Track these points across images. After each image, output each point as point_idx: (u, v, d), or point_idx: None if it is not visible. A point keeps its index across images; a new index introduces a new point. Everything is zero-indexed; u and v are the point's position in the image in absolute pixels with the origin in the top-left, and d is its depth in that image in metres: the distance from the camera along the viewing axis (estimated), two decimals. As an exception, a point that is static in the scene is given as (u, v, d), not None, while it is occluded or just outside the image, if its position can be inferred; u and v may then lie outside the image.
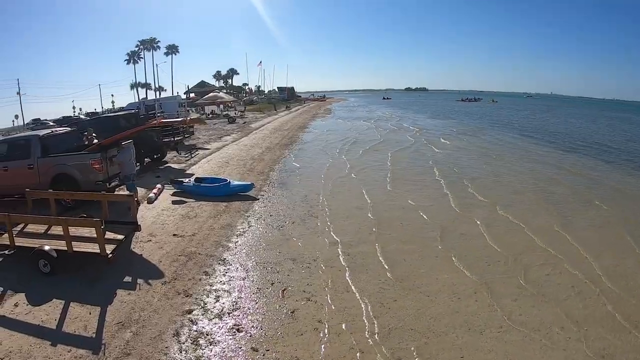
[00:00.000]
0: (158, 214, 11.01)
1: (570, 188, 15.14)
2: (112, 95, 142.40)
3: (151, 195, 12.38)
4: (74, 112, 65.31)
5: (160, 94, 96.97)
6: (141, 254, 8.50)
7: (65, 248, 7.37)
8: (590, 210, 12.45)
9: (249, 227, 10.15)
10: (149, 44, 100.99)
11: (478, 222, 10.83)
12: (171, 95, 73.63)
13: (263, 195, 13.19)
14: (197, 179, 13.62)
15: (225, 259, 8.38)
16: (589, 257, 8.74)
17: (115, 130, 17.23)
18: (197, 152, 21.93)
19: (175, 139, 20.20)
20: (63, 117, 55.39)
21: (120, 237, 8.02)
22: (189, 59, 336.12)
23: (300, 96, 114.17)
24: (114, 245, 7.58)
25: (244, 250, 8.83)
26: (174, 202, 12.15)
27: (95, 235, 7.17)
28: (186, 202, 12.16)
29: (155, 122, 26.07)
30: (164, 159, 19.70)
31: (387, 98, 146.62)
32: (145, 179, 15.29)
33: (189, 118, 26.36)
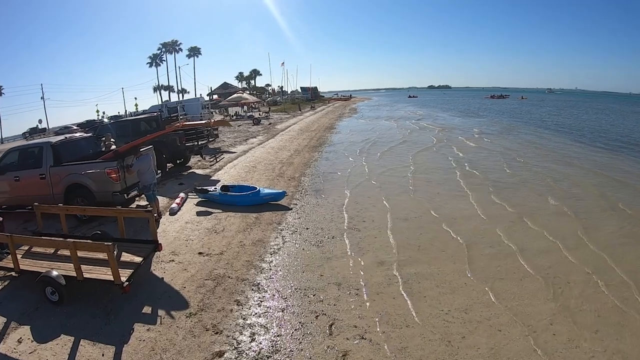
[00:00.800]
0: (181, 227, 9.98)
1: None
2: (136, 98, 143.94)
3: (173, 205, 11.41)
4: (98, 115, 65.51)
5: (183, 96, 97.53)
6: (162, 277, 7.44)
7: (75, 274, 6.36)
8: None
9: (283, 244, 8.99)
10: (171, 47, 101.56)
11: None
12: (194, 97, 73.52)
13: (296, 205, 12.03)
14: (224, 187, 12.54)
15: (259, 283, 7.23)
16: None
17: (136, 135, 16.46)
18: (222, 156, 21.00)
19: (199, 142, 19.16)
20: (87, 120, 55.68)
21: (138, 259, 6.97)
22: (211, 61, 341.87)
23: (323, 96, 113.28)
24: (131, 271, 6.53)
25: (280, 273, 7.67)
26: (198, 214, 11.12)
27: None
28: (212, 213, 11.11)
29: (177, 125, 25.53)
30: (188, 164, 18.85)
31: (414, 96, 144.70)
32: (167, 186, 14.37)
33: (213, 120, 25.76)
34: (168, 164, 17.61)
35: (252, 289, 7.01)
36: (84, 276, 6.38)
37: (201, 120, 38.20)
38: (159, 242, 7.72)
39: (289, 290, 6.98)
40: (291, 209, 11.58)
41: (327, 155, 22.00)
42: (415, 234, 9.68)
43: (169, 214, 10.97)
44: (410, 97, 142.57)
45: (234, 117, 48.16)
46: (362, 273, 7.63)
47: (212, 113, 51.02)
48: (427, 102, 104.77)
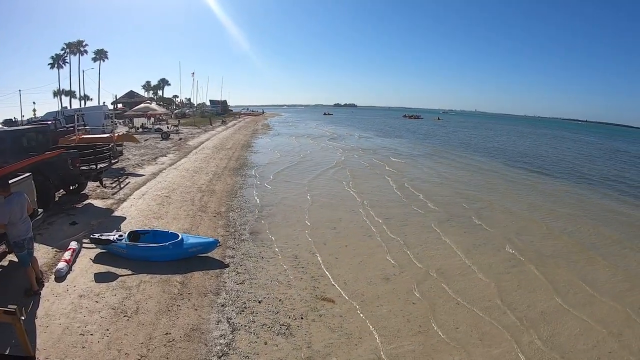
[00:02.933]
0: (73, 306, 6.66)
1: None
2: (34, 102, 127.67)
3: (61, 265, 7.89)
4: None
5: (85, 103, 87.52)
6: None
7: None
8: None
9: (232, 333, 6.23)
10: (76, 48, 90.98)
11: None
12: (97, 104, 66.01)
13: (233, 258, 9.27)
14: (132, 235, 9.30)
15: None
16: None
17: (15, 155, 12.60)
18: (127, 181, 17.35)
19: (98, 166, 14.28)
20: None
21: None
22: (119, 66, 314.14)
23: (232, 110, 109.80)
24: None
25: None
26: (98, 277, 7.80)
27: None
28: (118, 276, 7.87)
29: (74, 138, 21.22)
30: (83, 191, 15.08)
31: (329, 114, 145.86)
32: (55, 227, 10.64)
33: (116, 134, 21.75)
34: (57, 193, 13.72)
35: None
36: None
37: (103, 132, 33.35)
38: (34, 356, 4.70)
39: None
40: (228, 265, 8.84)
41: (253, 181, 19.37)
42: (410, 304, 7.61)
43: (55, 279, 7.54)
44: (325, 114, 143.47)
45: (140, 129, 43.24)
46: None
47: (115, 124, 45.50)
48: (341, 120, 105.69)
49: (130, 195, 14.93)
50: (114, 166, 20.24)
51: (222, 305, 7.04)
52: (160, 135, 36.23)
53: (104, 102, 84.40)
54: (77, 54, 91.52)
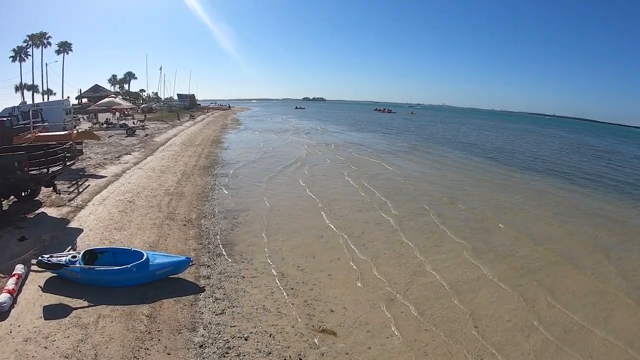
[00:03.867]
0: (16, 356, 5.35)
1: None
2: None
3: (3, 297, 6.49)
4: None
5: (48, 98, 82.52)
6: None
7: None
8: None
9: None
10: (39, 40, 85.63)
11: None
12: (60, 99, 62.19)
13: (209, 280, 8.06)
14: (88, 255, 7.87)
15: None
16: None
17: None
18: (86, 184, 15.79)
19: (50, 169, 12.29)
20: None
21: None
22: (84, 60, 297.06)
23: (200, 104, 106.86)
24: None
25: None
26: (47, 312, 6.44)
27: None
28: (71, 308, 6.57)
29: (29, 136, 19.37)
30: (36, 198, 13.51)
31: (301, 108, 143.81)
32: (1, 244, 9.20)
33: (75, 131, 19.96)
34: (4, 201, 12.08)
35: None
36: None
37: (64, 129, 31.09)
38: None
39: None
40: (204, 289, 7.66)
41: (225, 181, 18.10)
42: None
43: (-6, 315, 6.31)
44: (297, 108, 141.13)
45: (104, 125, 40.84)
46: None
47: (78, 120, 42.85)
48: (312, 114, 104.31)
49: (89, 201, 13.46)
50: (74, 167, 18.71)
51: (201, 347, 5.88)
52: (125, 132, 34.16)
53: (68, 97, 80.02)
54: (40, 47, 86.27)
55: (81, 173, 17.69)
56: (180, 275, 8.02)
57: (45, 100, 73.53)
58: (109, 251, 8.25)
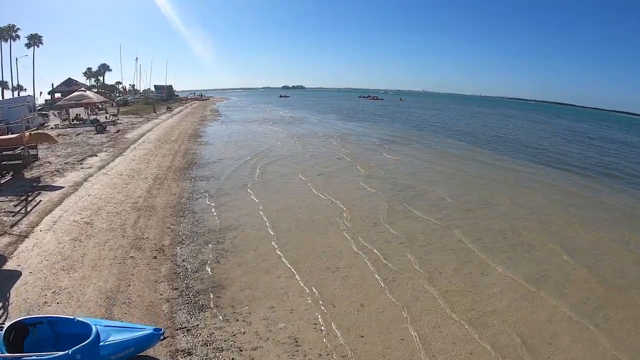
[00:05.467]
0: None
1: None
2: None
3: None
4: None
5: (19, 94, 77.81)
6: None
7: None
8: None
9: None
10: (6, 33, 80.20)
11: None
12: (22, 96, 57.92)
13: (190, 358, 5.66)
14: (15, 331, 5.26)
15: None
16: None
17: None
18: (38, 199, 13.09)
19: None
20: None
21: None
22: (56, 53, 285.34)
23: (178, 95, 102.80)
24: None
25: None
26: None
27: None
28: None
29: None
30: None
31: (285, 96, 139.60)
32: None
33: (28, 134, 17.09)
34: None
35: None
36: None
37: (28, 128, 27.94)
38: None
39: None
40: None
41: (205, 186, 15.59)
42: None
43: None
44: (281, 96, 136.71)
45: (74, 121, 37.54)
46: None
47: (47, 117, 39.37)
48: (295, 102, 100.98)
49: (37, 224, 10.85)
50: (28, 175, 16.06)
51: None
52: (94, 128, 31.11)
53: (41, 92, 75.58)
54: (9, 40, 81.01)
55: (34, 184, 14.98)
56: (147, 353, 5.58)
57: (17, 96, 69.18)
58: (44, 322, 5.66)
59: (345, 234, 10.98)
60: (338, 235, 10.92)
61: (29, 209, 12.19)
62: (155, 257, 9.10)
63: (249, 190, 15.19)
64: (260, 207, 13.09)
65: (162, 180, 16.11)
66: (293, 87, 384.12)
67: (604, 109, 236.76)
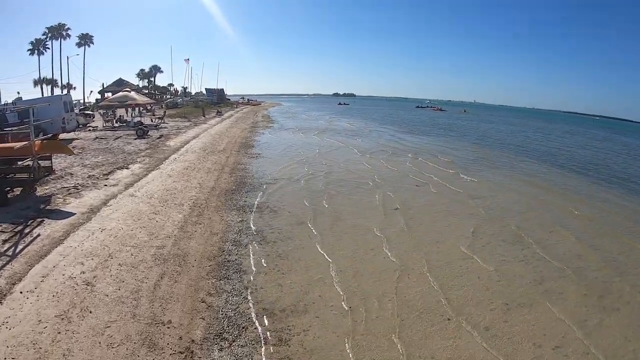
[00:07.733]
0: None
1: None
2: (18, 92, 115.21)
3: None
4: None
5: (69, 92, 78.68)
6: None
7: None
8: None
9: None
10: (57, 31, 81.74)
11: None
12: (59, 94, 57.20)
13: None
14: None
15: None
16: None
17: None
18: (35, 233, 9.69)
19: None
20: None
21: None
22: (106, 53, 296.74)
23: (229, 99, 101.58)
24: None
25: None
26: None
27: None
28: None
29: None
30: None
31: (345, 104, 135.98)
32: None
33: (38, 140, 13.77)
34: None
35: None
36: None
37: (64, 130, 25.49)
38: None
39: None
40: None
41: (258, 221, 11.78)
42: None
43: None
44: (340, 104, 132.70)
45: (117, 123, 35.40)
46: None
47: (88, 117, 37.53)
48: (353, 111, 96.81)
49: (21, 279, 7.39)
50: (41, 191, 13.00)
51: None
52: (135, 132, 28.38)
53: (91, 91, 76.10)
54: (60, 39, 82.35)
55: (42, 206, 11.73)
56: None
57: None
58: None
59: (471, 337, 6.77)
60: (465, 337, 6.74)
61: (19, 248, 8.79)
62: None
63: (313, 232, 11.24)
64: (332, 269, 9.05)
65: (201, 209, 12.49)
66: (344, 94, 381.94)
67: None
